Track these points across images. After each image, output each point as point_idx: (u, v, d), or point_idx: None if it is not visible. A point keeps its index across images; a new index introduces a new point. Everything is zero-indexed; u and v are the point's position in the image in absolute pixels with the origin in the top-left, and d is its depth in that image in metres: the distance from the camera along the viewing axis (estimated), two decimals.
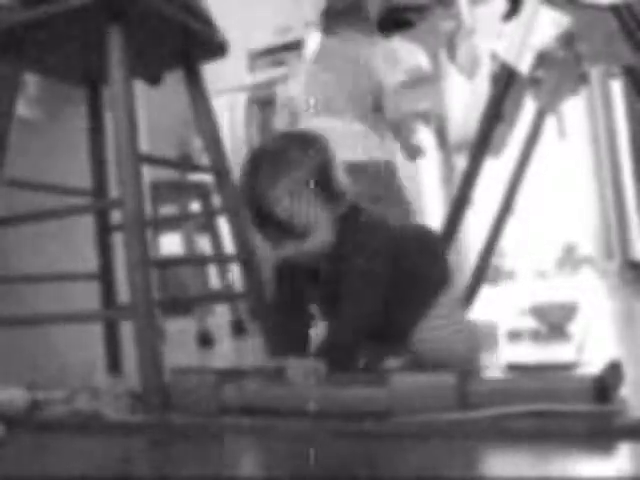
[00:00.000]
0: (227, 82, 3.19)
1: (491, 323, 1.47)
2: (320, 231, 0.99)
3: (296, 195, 0.97)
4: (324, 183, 0.99)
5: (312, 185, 0.98)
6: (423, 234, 1.14)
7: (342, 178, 1.03)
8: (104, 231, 1.56)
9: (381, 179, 1.80)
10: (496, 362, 1.17)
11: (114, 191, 1.42)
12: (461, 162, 3.75)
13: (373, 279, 0.98)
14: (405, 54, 1.86)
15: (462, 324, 1.08)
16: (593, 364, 0.78)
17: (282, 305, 1.09)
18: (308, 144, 1.02)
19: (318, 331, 1.07)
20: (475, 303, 1.96)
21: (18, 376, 1.28)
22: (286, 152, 1.00)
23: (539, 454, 0.65)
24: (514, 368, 0.89)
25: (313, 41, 3.48)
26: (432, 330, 1.04)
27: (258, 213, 0.99)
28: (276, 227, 0.98)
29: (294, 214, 0.97)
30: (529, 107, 2.10)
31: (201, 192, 2.51)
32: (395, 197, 1.85)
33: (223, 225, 2.31)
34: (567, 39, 1.71)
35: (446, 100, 4.51)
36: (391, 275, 1.00)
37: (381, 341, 1.07)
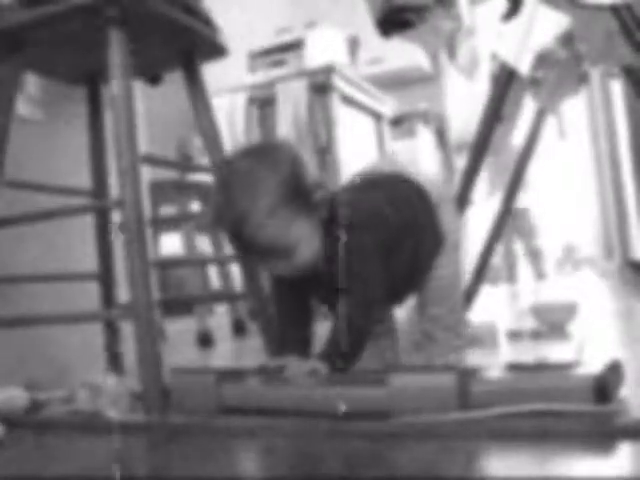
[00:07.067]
0: (227, 82, 3.19)
1: (491, 323, 1.47)
2: (307, 243, 0.95)
3: (277, 218, 0.91)
4: (300, 194, 0.94)
5: (290, 202, 0.92)
6: (413, 195, 1.10)
7: (313, 177, 0.98)
8: (104, 231, 1.56)
9: None
10: (496, 362, 1.17)
11: (114, 191, 1.42)
12: (461, 162, 3.75)
13: (371, 275, 0.97)
14: None
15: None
16: (593, 364, 0.78)
17: (282, 307, 1.07)
18: (273, 157, 0.95)
19: (320, 332, 1.07)
20: (475, 303, 1.96)
21: (18, 376, 1.28)
22: (255, 174, 0.93)
23: (539, 454, 0.65)
24: (514, 368, 0.89)
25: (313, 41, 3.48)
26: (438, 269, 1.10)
27: (238, 242, 0.95)
28: (261, 253, 0.94)
29: (277, 238, 0.92)
30: (529, 107, 2.10)
31: (201, 192, 2.50)
32: None
33: None
34: (567, 39, 1.71)
35: (446, 100, 4.51)
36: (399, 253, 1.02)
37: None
